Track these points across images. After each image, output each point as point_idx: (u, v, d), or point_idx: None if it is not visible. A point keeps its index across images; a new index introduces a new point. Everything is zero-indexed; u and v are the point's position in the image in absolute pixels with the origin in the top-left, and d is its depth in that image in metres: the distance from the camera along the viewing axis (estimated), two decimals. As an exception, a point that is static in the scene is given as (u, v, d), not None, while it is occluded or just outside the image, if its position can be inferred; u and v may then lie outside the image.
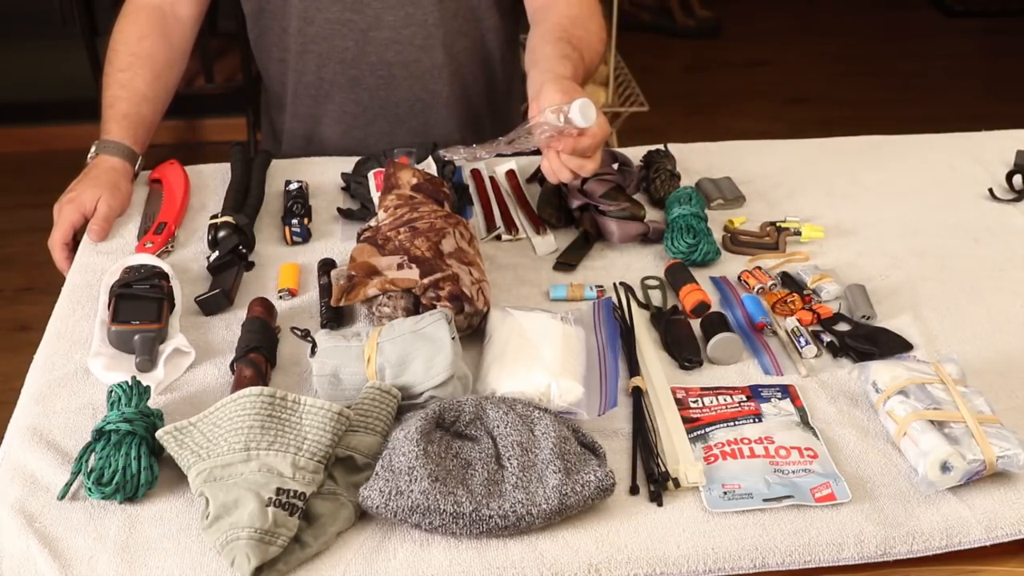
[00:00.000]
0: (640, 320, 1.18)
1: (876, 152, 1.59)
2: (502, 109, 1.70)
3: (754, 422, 1.03)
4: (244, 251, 1.25)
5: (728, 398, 1.06)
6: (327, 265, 1.25)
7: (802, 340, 1.14)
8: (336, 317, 1.16)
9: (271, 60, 1.62)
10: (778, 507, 0.93)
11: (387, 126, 1.60)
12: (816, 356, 1.14)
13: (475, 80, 1.62)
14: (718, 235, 1.34)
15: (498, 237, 1.35)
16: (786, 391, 1.07)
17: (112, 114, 1.42)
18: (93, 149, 1.41)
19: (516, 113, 1.74)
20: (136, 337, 1.09)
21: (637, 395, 1.06)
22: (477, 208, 1.40)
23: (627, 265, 1.30)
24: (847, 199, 1.46)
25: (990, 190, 1.49)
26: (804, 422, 1.03)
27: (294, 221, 1.32)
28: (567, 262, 1.29)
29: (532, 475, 0.92)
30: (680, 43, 4.19)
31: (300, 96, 1.61)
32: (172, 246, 1.30)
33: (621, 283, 1.25)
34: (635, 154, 1.50)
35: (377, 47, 1.53)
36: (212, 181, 1.44)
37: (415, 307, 1.11)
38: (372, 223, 1.23)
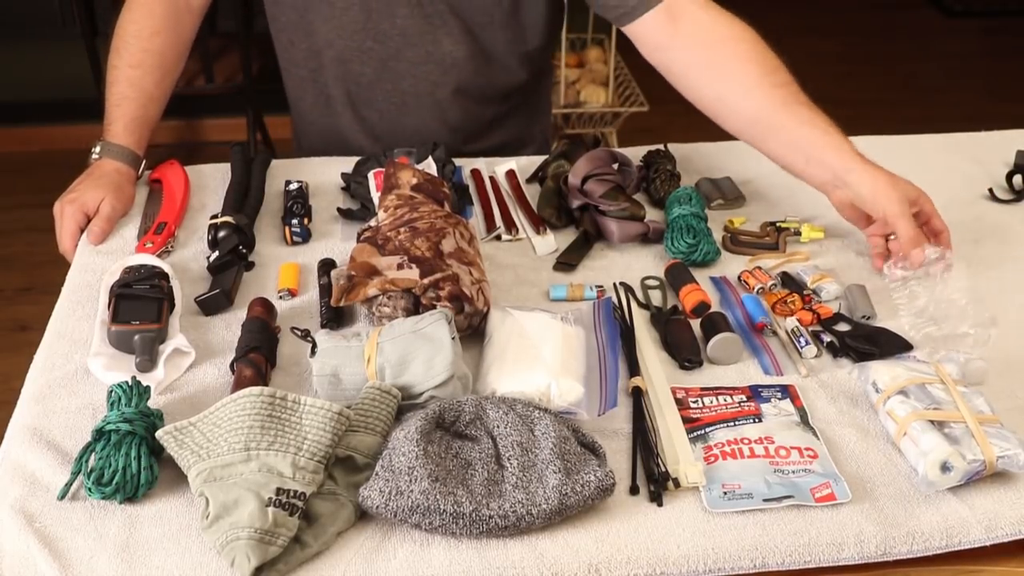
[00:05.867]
0: (640, 320, 1.18)
1: (876, 152, 1.58)
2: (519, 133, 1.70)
3: (754, 422, 1.03)
4: (244, 251, 1.25)
5: (728, 398, 1.06)
6: (327, 265, 1.25)
7: (802, 340, 1.14)
8: (336, 317, 1.16)
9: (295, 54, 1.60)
10: (778, 507, 0.93)
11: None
12: (816, 356, 1.14)
13: (484, 110, 1.61)
14: (718, 235, 1.34)
15: (498, 237, 1.35)
16: (786, 391, 1.07)
17: (119, 115, 1.41)
18: (98, 149, 1.39)
19: (534, 133, 1.73)
20: (136, 337, 1.09)
21: (637, 395, 1.06)
22: (477, 208, 1.40)
23: (627, 265, 1.30)
24: (847, 199, 1.45)
25: (990, 190, 1.49)
26: (804, 422, 1.03)
27: (294, 221, 1.32)
28: (567, 262, 1.29)
29: (532, 475, 0.92)
30: (680, 43, 4.19)
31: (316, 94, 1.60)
32: (172, 246, 1.30)
33: (621, 283, 1.25)
34: (635, 154, 1.50)
35: (393, 76, 1.53)
36: (212, 181, 1.44)
37: (415, 307, 1.11)
38: (372, 223, 1.23)
